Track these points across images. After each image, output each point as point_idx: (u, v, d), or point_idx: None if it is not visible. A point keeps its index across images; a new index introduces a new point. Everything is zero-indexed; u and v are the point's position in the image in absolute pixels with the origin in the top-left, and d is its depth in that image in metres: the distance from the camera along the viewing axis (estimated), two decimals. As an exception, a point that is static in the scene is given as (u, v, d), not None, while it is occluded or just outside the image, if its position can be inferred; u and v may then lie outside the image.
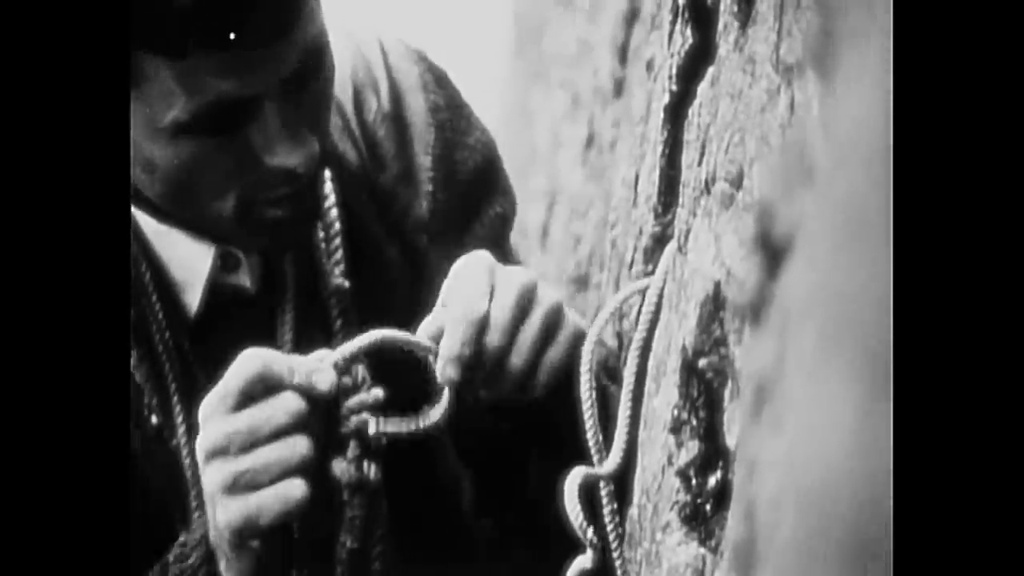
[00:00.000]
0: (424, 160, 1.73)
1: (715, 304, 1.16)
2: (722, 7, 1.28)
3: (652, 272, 1.47)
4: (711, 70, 1.31)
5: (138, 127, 1.46)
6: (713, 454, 1.17)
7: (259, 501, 1.38)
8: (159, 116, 1.44)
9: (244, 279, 1.65)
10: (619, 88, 2.67)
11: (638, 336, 1.43)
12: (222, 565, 1.44)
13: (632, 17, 2.61)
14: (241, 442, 1.38)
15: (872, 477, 0.65)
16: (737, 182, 1.16)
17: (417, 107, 1.74)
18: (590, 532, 1.38)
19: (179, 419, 1.61)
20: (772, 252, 0.85)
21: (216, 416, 1.39)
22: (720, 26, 1.28)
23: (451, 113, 1.76)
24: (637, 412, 1.41)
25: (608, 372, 1.58)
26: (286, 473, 1.38)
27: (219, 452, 1.39)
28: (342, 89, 1.69)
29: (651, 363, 1.38)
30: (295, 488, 1.38)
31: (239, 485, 1.38)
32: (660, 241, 1.49)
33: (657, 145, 1.50)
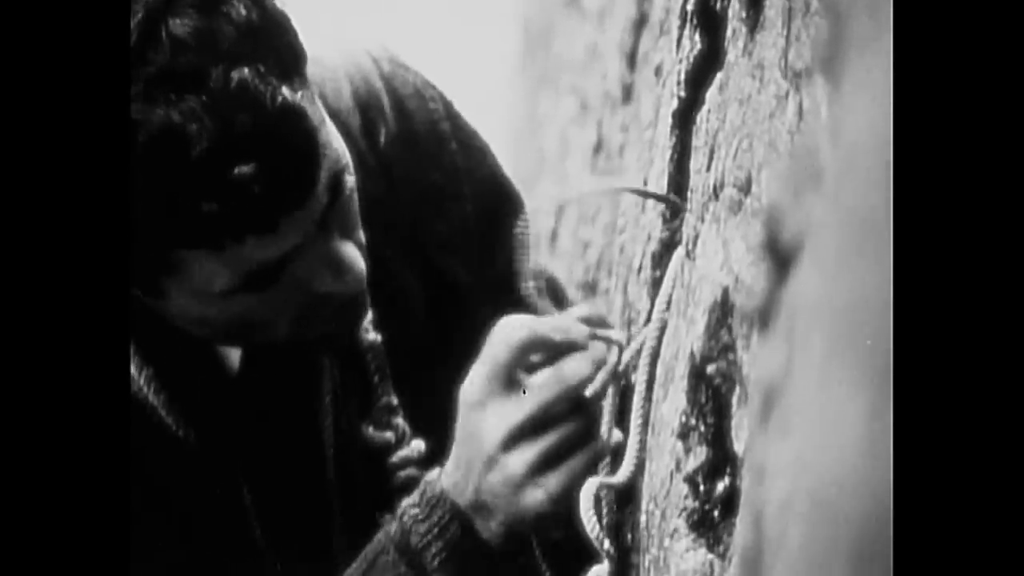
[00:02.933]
0: (437, 177, 1.73)
1: (723, 310, 1.16)
2: (731, 13, 1.28)
3: (660, 277, 1.47)
4: (719, 76, 1.31)
5: (183, 295, 1.48)
6: (721, 460, 1.17)
7: (574, 466, 1.43)
8: (207, 288, 1.46)
9: None
10: (628, 93, 2.67)
11: (649, 344, 1.42)
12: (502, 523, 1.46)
13: (640, 23, 2.61)
14: (538, 421, 1.43)
15: (880, 483, 0.64)
16: (745, 188, 1.15)
17: (421, 118, 1.73)
18: (607, 543, 1.38)
19: (244, 489, 1.61)
20: (780, 258, 0.85)
21: (495, 399, 1.43)
22: (728, 32, 1.28)
23: (451, 122, 1.76)
24: (648, 420, 1.41)
25: None
26: (590, 438, 1.44)
27: (517, 437, 1.43)
28: (350, 115, 1.68)
29: (659, 369, 1.38)
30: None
31: (549, 461, 1.42)
32: (668, 247, 1.49)
33: (665, 150, 1.50)
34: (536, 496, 1.43)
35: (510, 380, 1.43)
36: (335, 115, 1.63)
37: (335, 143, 1.49)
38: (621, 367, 1.46)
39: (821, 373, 0.72)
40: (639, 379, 1.43)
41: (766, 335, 0.89)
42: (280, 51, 1.44)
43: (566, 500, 1.42)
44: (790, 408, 0.80)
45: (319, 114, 1.47)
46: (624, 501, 1.45)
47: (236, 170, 1.38)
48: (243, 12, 1.40)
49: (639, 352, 1.43)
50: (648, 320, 1.46)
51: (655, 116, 1.88)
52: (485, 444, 1.43)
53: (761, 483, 0.87)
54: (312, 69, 1.50)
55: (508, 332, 1.44)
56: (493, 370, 1.43)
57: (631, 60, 2.68)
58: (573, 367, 1.43)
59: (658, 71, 2.04)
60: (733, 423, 1.14)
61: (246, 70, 1.38)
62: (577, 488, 1.41)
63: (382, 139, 1.71)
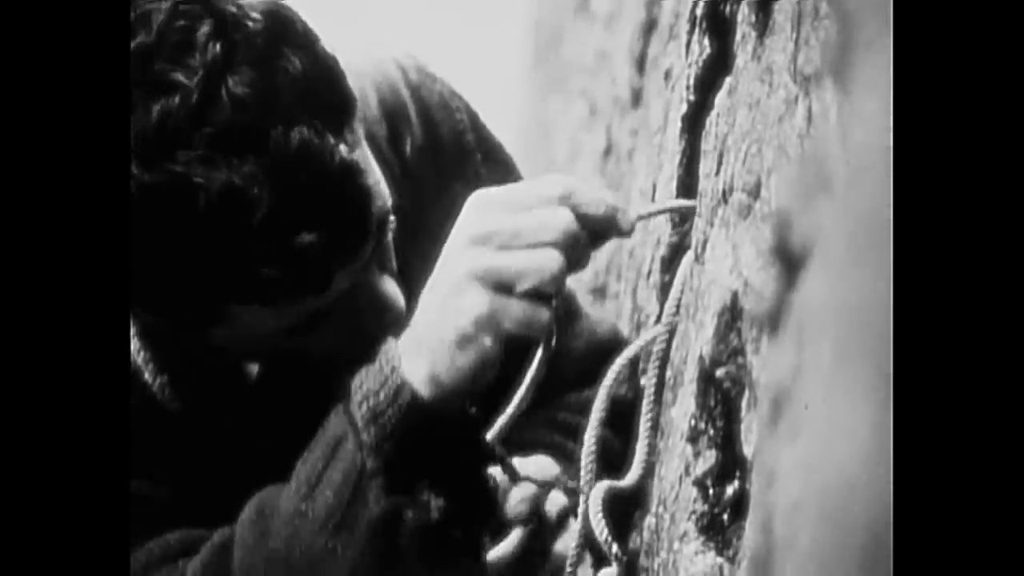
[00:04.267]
0: (461, 188, 1.72)
1: (732, 314, 1.16)
2: (740, 17, 1.28)
3: (670, 281, 1.47)
4: (729, 80, 1.31)
5: (226, 335, 1.48)
6: (730, 463, 1.17)
7: (508, 303, 1.35)
8: (253, 330, 1.46)
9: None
10: (637, 98, 2.68)
11: (657, 348, 1.42)
12: (436, 368, 1.37)
13: (650, 27, 2.62)
14: (503, 241, 1.36)
15: (889, 486, 0.65)
16: (754, 192, 1.16)
17: (446, 129, 1.73)
18: (615, 547, 1.37)
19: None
20: (789, 262, 0.85)
21: (491, 208, 1.38)
22: (738, 36, 1.28)
23: (476, 134, 1.75)
24: (657, 424, 1.41)
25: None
26: (538, 280, 1.35)
27: (480, 240, 1.37)
28: (376, 124, 1.68)
29: (668, 373, 1.38)
30: (544, 311, 1.36)
31: (489, 278, 1.35)
32: (677, 251, 1.49)
33: (675, 155, 1.50)
34: (477, 297, 1.36)
35: (515, 212, 1.38)
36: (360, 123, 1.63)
37: (382, 186, 1.49)
38: (630, 356, 1.45)
39: (830, 377, 0.72)
40: (647, 383, 1.43)
41: (775, 339, 0.89)
42: (333, 102, 1.43)
43: (496, 323, 1.35)
44: (799, 412, 0.80)
45: (367, 160, 1.47)
46: (634, 504, 1.45)
47: (298, 239, 1.37)
48: (298, 66, 1.40)
49: (649, 356, 1.43)
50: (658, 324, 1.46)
51: (664, 120, 1.88)
52: (460, 236, 1.38)
53: (770, 486, 0.87)
54: None
55: (551, 183, 1.39)
56: (511, 194, 1.39)
57: (640, 64, 2.68)
58: (537, 222, 1.37)
59: (667, 75, 2.04)
60: (742, 427, 1.14)
61: (306, 130, 1.38)
62: (509, 323, 1.35)
63: (408, 149, 1.71)
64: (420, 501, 1.38)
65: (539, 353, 1.41)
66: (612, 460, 1.50)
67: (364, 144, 1.48)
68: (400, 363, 1.38)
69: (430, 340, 1.37)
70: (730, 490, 1.16)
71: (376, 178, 1.48)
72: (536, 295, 1.35)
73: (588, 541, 1.42)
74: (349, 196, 1.41)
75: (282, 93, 1.38)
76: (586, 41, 3.63)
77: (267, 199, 1.36)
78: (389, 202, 1.50)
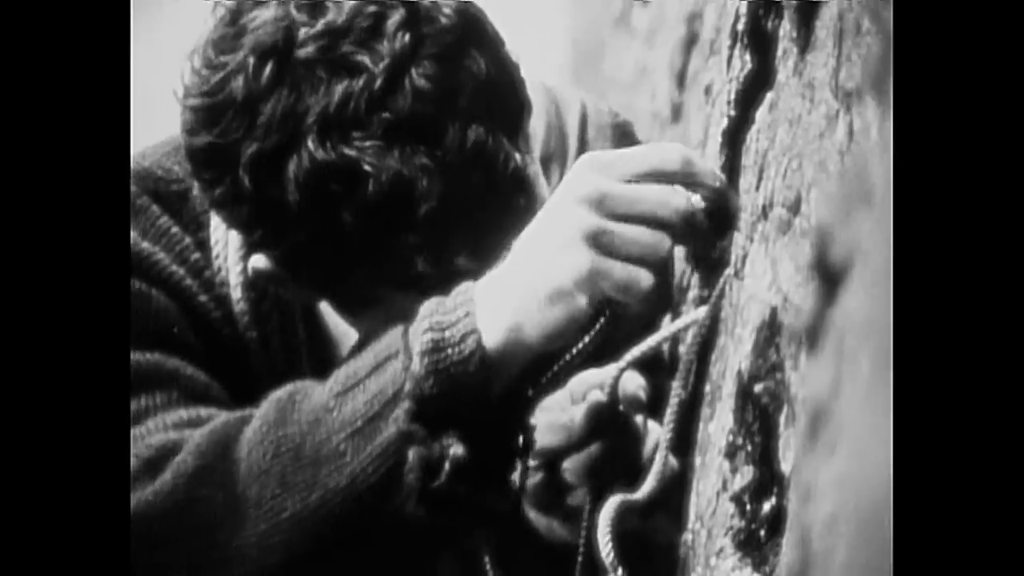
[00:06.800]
0: None
1: (771, 329, 1.16)
2: (781, 32, 1.28)
3: (708, 297, 1.47)
4: (769, 95, 1.31)
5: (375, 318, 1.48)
6: (768, 479, 1.17)
7: (611, 265, 1.32)
8: (391, 306, 1.45)
9: None
10: (677, 113, 2.68)
11: (685, 360, 1.41)
12: (519, 318, 1.33)
13: (690, 42, 2.62)
14: (617, 207, 1.33)
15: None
16: (794, 207, 1.15)
17: None
18: (620, 570, 1.33)
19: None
20: (829, 278, 0.85)
21: (605, 171, 1.35)
22: (779, 51, 1.28)
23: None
24: (678, 437, 1.40)
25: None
26: (643, 259, 1.33)
27: (592, 202, 1.33)
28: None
29: (706, 388, 1.38)
30: (645, 277, 1.33)
31: (597, 239, 1.32)
32: (716, 266, 1.49)
33: (714, 170, 1.50)
34: (581, 256, 1.32)
35: (629, 177, 1.35)
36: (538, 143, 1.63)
37: (544, 192, 1.48)
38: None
39: (869, 392, 0.72)
40: (673, 395, 1.40)
41: (814, 355, 0.89)
42: (510, 107, 1.44)
43: (594, 284, 1.32)
44: (837, 427, 0.80)
45: (539, 178, 1.47)
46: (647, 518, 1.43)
47: (459, 238, 1.38)
48: (482, 66, 1.41)
49: (677, 371, 1.42)
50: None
51: (704, 136, 1.88)
52: (569, 193, 1.34)
53: (807, 502, 0.87)
54: None
55: (670, 149, 1.37)
56: (625, 157, 1.36)
57: (680, 80, 2.68)
58: (656, 198, 1.34)
59: (708, 90, 2.04)
60: (780, 443, 1.14)
61: (482, 130, 1.38)
62: (608, 285, 1.32)
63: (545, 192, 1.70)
64: (438, 442, 1.35)
65: (601, 320, 1.38)
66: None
67: (538, 162, 1.49)
68: (475, 309, 1.35)
69: (520, 291, 1.34)
70: (767, 506, 1.16)
71: (542, 187, 1.47)
72: (639, 262, 1.32)
73: (589, 557, 1.40)
74: (517, 207, 1.41)
75: (463, 91, 1.39)
76: (626, 56, 3.63)
77: (435, 194, 1.36)
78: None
